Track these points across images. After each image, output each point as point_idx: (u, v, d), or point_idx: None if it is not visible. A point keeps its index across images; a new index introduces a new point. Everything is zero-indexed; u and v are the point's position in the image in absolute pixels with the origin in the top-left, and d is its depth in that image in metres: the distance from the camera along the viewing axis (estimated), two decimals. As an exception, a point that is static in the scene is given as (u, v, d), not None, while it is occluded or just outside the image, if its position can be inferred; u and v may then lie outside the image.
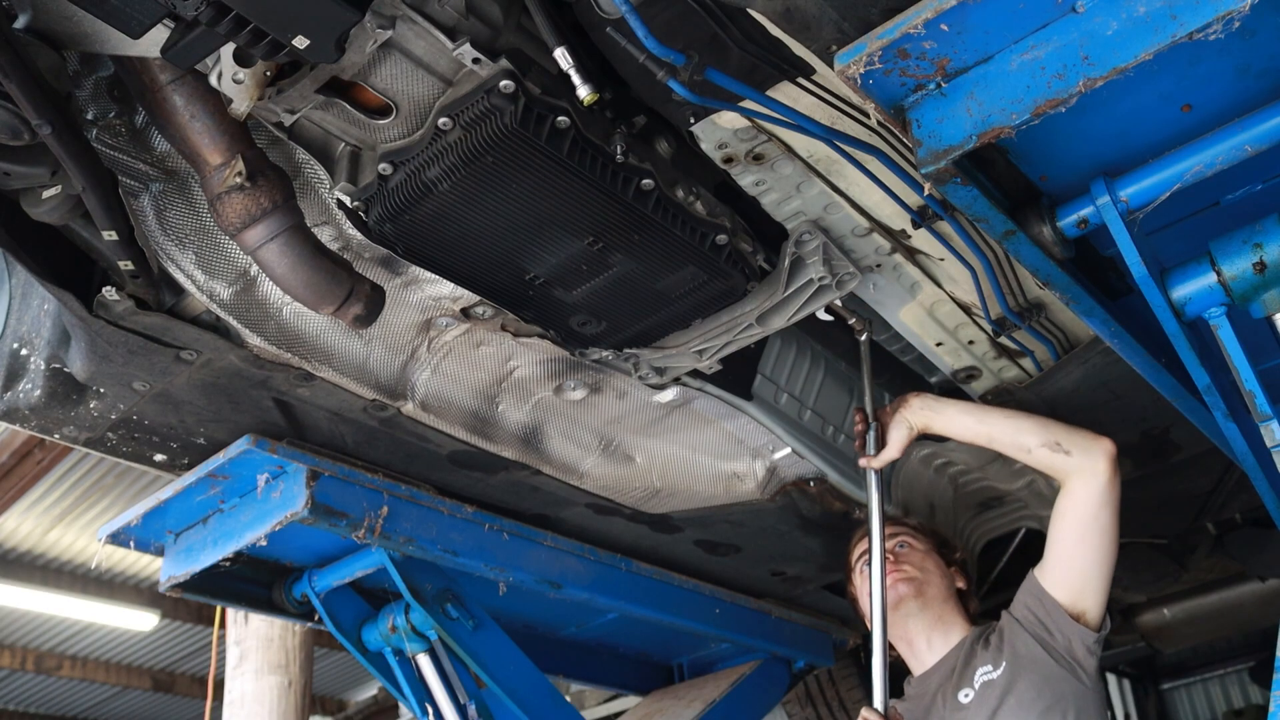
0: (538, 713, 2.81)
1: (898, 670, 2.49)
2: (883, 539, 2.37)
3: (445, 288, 2.25)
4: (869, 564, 2.42)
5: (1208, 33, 1.37)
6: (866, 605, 2.44)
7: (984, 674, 2.21)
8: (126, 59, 1.62)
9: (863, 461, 2.37)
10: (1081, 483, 2.16)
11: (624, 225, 2.03)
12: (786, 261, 2.28)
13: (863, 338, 2.58)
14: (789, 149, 2.02)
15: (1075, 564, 2.18)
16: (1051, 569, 2.20)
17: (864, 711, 2.26)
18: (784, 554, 3.46)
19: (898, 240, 2.28)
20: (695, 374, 2.65)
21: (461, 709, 2.80)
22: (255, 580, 2.80)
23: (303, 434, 2.47)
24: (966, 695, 2.22)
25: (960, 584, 2.45)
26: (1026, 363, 2.67)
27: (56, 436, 2.35)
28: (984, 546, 3.63)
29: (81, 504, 7.70)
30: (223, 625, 5.41)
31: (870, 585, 2.40)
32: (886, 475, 3.28)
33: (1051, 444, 2.19)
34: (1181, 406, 2.27)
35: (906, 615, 2.38)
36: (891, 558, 2.41)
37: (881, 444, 2.35)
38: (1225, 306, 1.75)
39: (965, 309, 2.48)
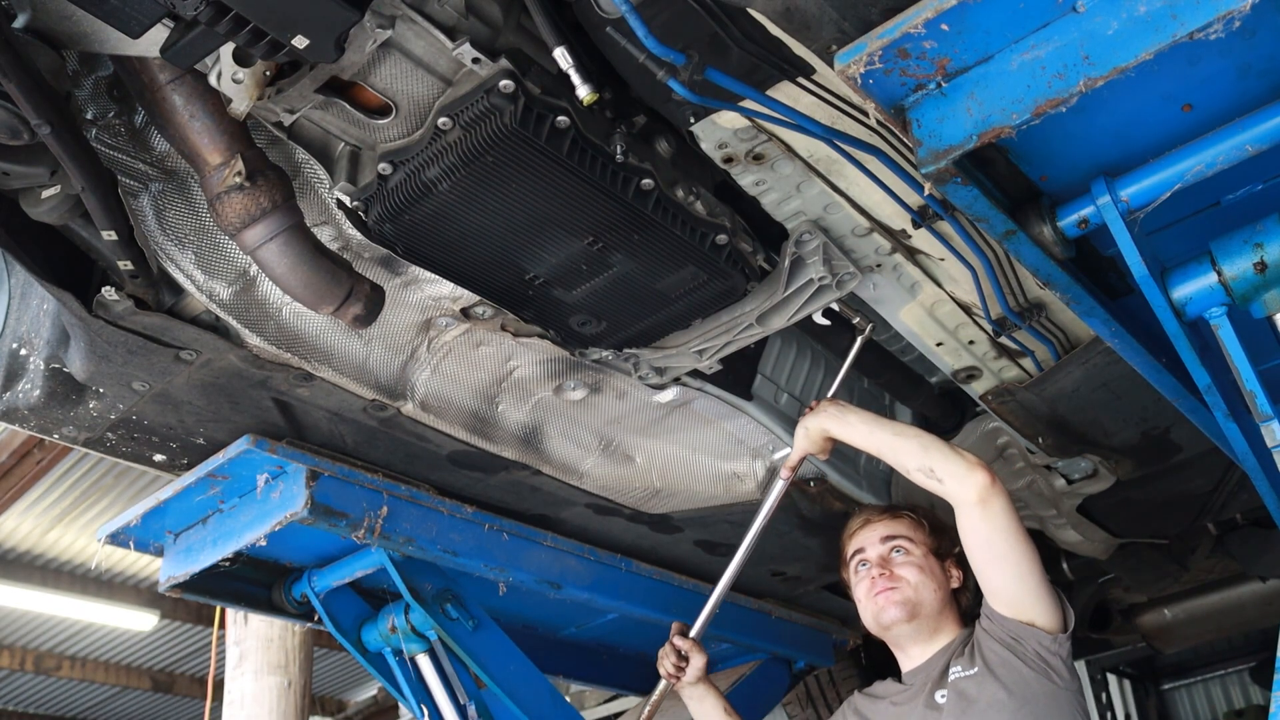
0: (538, 713, 2.80)
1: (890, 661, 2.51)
2: (768, 518, 2.57)
3: (445, 288, 2.25)
4: (863, 564, 2.42)
5: (1208, 32, 1.37)
6: (863, 613, 2.43)
7: (956, 674, 2.22)
8: (126, 59, 1.61)
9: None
10: (960, 513, 2.16)
11: (624, 225, 2.03)
12: (786, 261, 2.28)
13: (862, 335, 2.58)
14: (789, 149, 2.02)
15: (996, 585, 2.18)
16: (985, 592, 2.23)
17: (675, 637, 2.61)
18: (784, 554, 3.46)
19: (898, 240, 2.28)
20: (695, 374, 2.65)
21: (461, 709, 2.80)
22: (255, 580, 2.80)
23: (302, 434, 2.47)
24: (942, 696, 2.24)
25: (955, 583, 2.43)
26: (1027, 363, 2.67)
27: (56, 436, 2.34)
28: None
29: (81, 504, 7.69)
30: (222, 625, 5.41)
31: (855, 590, 2.47)
32: (885, 474, 3.28)
33: (926, 470, 2.18)
34: (1182, 406, 2.26)
35: (898, 635, 2.38)
36: (886, 571, 2.37)
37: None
38: (1226, 306, 1.75)
39: (965, 309, 2.47)
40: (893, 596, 2.34)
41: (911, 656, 2.38)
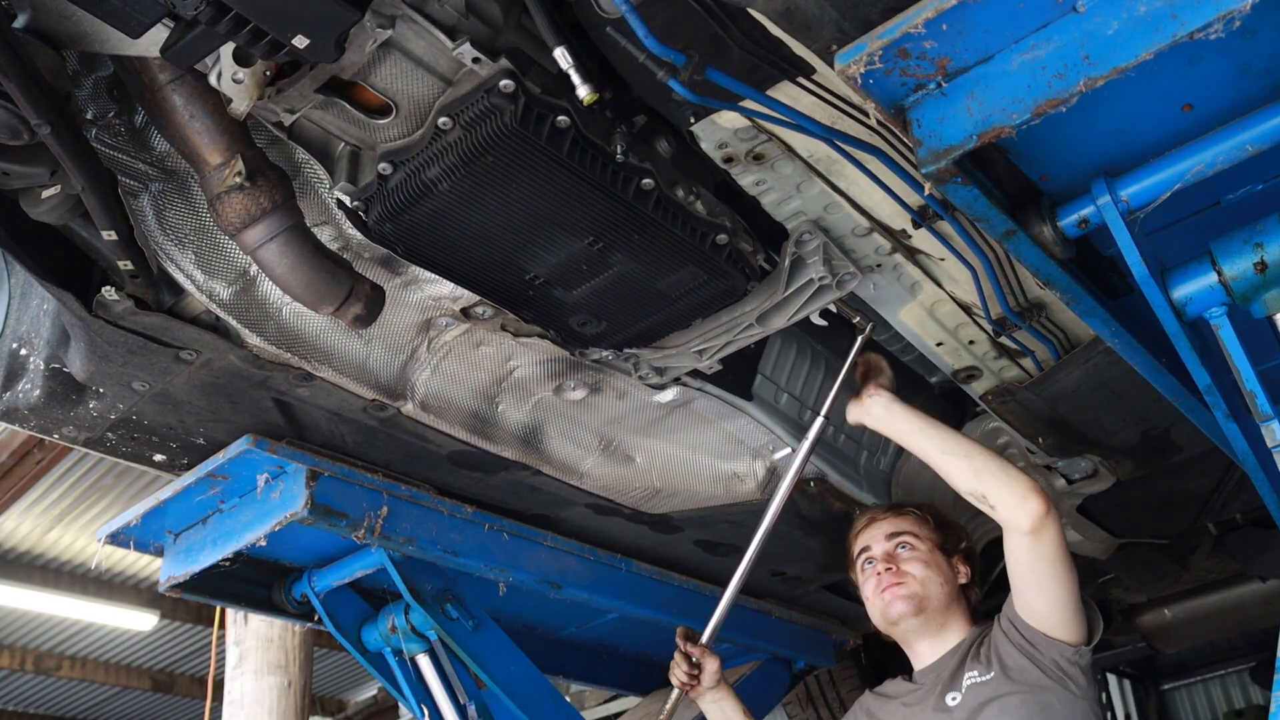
0: (538, 713, 2.80)
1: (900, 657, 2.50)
2: (794, 479, 2.52)
3: (445, 288, 2.25)
4: (869, 562, 2.42)
5: (1208, 32, 1.36)
6: (871, 610, 2.43)
7: (971, 679, 2.21)
8: (126, 59, 1.61)
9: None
10: (1011, 538, 2.15)
11: (624, 225, 2.03)
12: (787, 261, 2.28)
13: (862, 335, 2.58)
14: (789, 149, 2.02)
15: (1030, 603, 2.18)
16: (1016, 601, 2.22)
17: (683, 643, 2.56)
18: (784, 554, 3.46)
19: (898, 240, 2.28)
20: (695, 374, 2.65)
21: (461, 709, 2.80)
22: (255, 580, 2.80)
23: (302, 434, 2.47)
24: (954, 699, 2.23)
25: (963, 578, 2.42)
26: (1027, 363, 2.67)
27: (56, 436, 2.34)
28: (984, 546, 3.63)
29: (81, 504, 7.70)
30: (222, 625, 5.41)
31: (863, 589, 2.45)
32: (885, 474, 3.28)
33: (978, 496, 2.17)
34: (1182, 406, 2.26)
35: (906, 630, 2.37)
36: (892, 566, 2.37)
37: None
38: (1226, 306, 1.75)
39: (966, 309, 2.47)
40: (899, 591, 2.34)
41: (921, 655, 2.38)
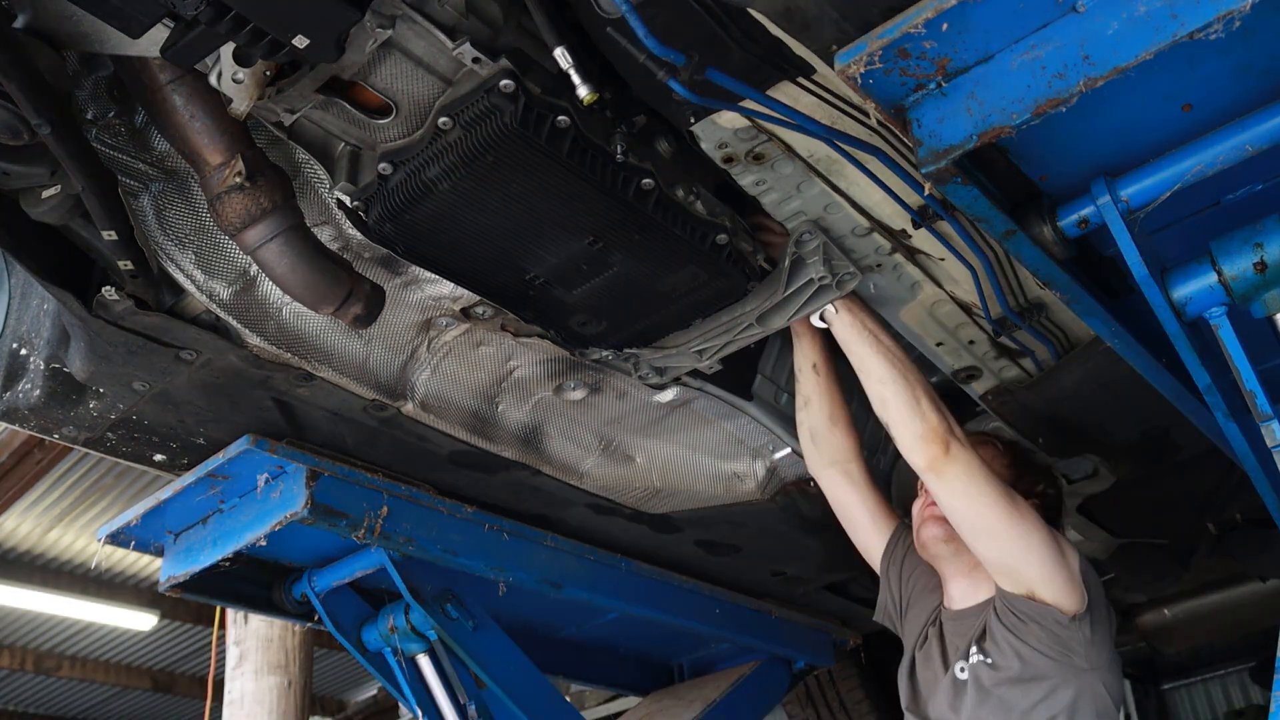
0: (538, 713, 2.81)
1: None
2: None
3: (445, 288, 2.25)
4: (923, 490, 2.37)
5: (1208, 32, 1.37)
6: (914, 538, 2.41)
7: (976, 661, 2.20)
8: (126, 59, 1.61)
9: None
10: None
11: (624, 225, 2.03)
12: (787, 261, 2.27)
13: None
14: (789, 149, 2.02)
15: (980, 554, 2.15)
16: (984, 563, 2.20)
17: None
18: (784, 554, 3.46)
19: (898, 240, 2.28)
20: (695, 374, 2.65)
21: (461, 709, 2.80)
22: (255, 580, 2.80)
23: (303, 434, 2.47)
24: (962, 670, 2.21)
25: None
26: (1027, 363, 2.67)
27: (56, 436, 2.34)
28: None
29: (81, 504, 7.70)
30: (222, 625, 5.41)
31: None
32: (885, 474, 3.28)
33: (884, 424, 2.17)
34: (1182, 406, 2.26)
35: (936, 555, 2.33)
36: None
37: None
38: (1226, 306, 1.75)
39: (966, 309, 2.47)
40: (934, 510, 2.30)
41: (952, 596, 2.35)
